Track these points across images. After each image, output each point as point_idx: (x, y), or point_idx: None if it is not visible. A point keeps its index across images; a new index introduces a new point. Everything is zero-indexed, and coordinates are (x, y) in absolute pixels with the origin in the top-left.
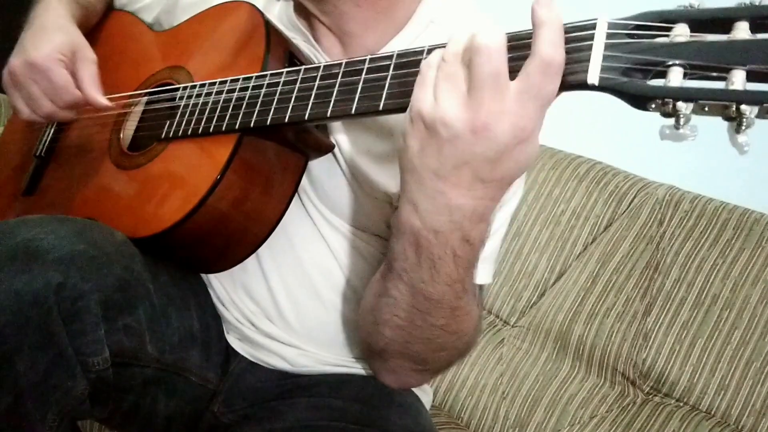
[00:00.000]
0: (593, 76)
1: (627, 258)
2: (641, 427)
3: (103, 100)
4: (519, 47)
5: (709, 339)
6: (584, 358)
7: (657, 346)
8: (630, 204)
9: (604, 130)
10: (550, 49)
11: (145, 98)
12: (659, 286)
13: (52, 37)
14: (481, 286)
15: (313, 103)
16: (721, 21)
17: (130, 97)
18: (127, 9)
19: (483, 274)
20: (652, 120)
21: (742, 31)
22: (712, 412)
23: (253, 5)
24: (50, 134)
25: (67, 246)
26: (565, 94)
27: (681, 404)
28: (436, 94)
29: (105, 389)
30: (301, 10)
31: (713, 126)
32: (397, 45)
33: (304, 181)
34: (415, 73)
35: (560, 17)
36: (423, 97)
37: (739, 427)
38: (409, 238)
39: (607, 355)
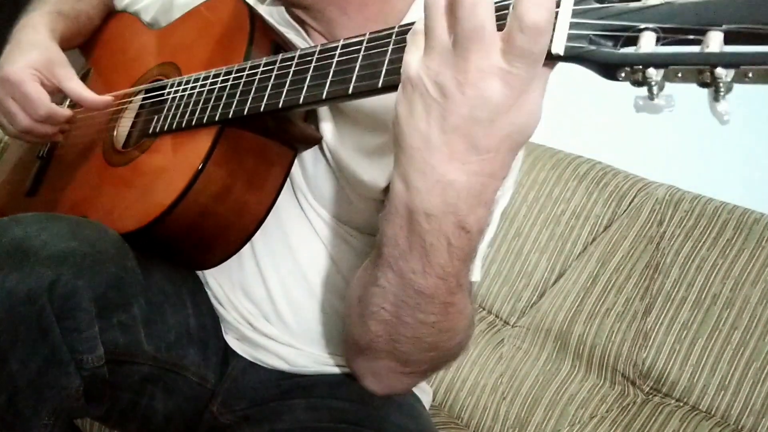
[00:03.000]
0: (558, 46)
1: (627, 258)
2: (641, 427)
3: (102, 98)
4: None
5: (709, 339)
6: (584, 358)
7: (657, 346)
8: (630, 204)
9: (604, 130)
10: (531, 9)
11: (140, 96)
12: (659, 286)
13: (26, 53)
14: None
15: (287, 91)
16: None
17: (124, 95)
18: (128, 10)
19: (473, 271)
20: (652, 120)
21: None
22: (712, 412)
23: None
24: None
25: (59, 243)
26: (565, 94)
27: (681, 404)
28: (424, 53)
29: (100, 387)
30: (292, 14)
31: (713, 125)
32: None
33: (301, 180)
34: (385, 53)
35: None
36: (410, 58)
37: (739, 427)
38: (400, 222)
39: (607, 355)
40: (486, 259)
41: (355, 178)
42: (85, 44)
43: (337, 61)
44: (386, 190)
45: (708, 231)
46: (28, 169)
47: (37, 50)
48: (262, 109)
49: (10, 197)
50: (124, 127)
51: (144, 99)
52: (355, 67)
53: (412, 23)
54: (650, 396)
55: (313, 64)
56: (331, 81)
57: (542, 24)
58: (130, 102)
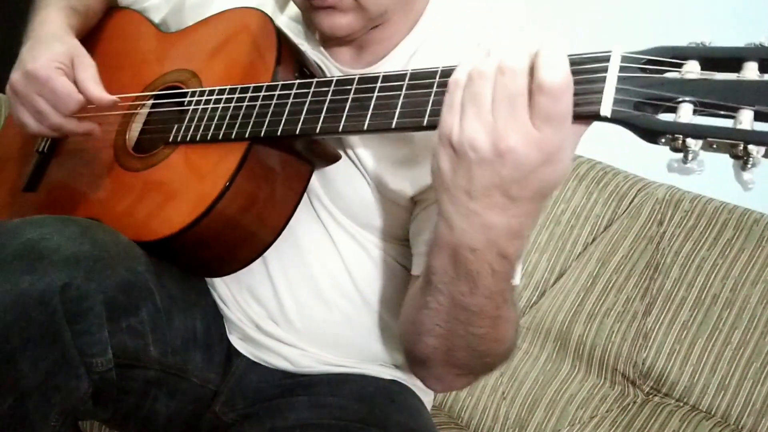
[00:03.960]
0: (606, 108)
1: (627, 258)
2: (641, 427)
3: (107, 96)
4: None
5: (709, 339)
6: (584, 358)
7: (657, 346)
8: (630, 204)
9: (604, 130)
10: (547, 72)
11: (152, 100)
12: (659, 286)
13: (50, 47)
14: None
15: (324, 117)
16: (731, 60)
17: (138, 97)
18: (134, 8)
19: (519, 275)
20: None
21: (750, 71)
22: (712, 412)
23: (264, 13)
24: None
25: (72, 246)
26: None
27: (681, 404)
28: (462, 117)
29: (108, 390)
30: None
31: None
32: (407, 46)
33: (316, 183)
34: (428, 93)
35: (558, 40)
36: (450, 120)
37: (739, 427)
38: (447, 255)
39: (607, 355)
40: (524, 261)
41: (386, 187)
42: (85, 39)
43: (378, 95)
44: (413, 199)
45: (708, 231)
46: (24, 163)
47: (58, 42)
48: (297, 132)
49: (7, 191)
50: (134, 130)
51: (156, 105)
52: (398, 102)
53: (454, 66)
54: (650, 396)
55: (352, 94)
56: (372, 113)
57: (559, 85)
58: (142, 105)
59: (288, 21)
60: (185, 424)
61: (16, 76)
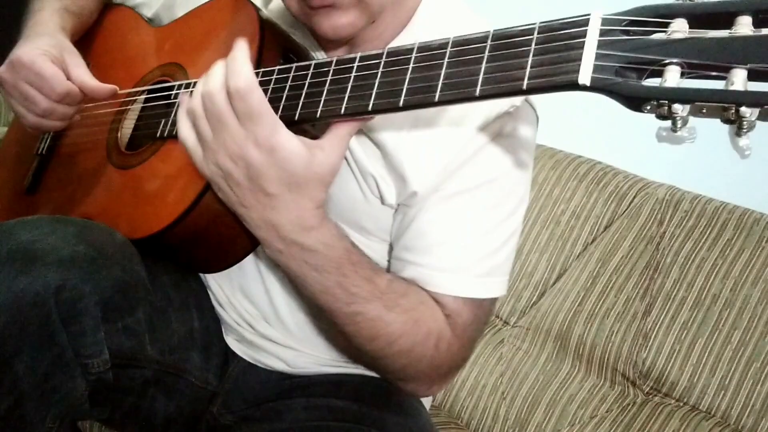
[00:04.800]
0: (585, 77)
1: (627, 258)
2: (641, 427)
3: (105, 85)
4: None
5: (709, 339)
6: (584, 358)
7: (657, 346)
8: (630, 204)
9: (604, 130)
10: (231, 80)
11: (143, 96)
12: (659, 286)
13: (37, 40)
14: (491, 299)
15: (303, 103)
16: (722, 16)
17: (128, 95)
18: (128, 4)
19: (493, 288)
20: (652, 120)
21: (744, 26)
22: (712, 412)
23: (249, 0)
24: (51, 131)
25: (67, 247)
26: (564, 95)
27: (681, 404)
28: (201, 148)
29: (105, 390)
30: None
31: (713, 125)
32: (399, 44)
33: None
34: (405, 71)
35: (241, 47)
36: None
37: (739, 427)
38: (279, 264)
39: (607, 355)
40: (510, 272)
41: (376, 187)
42: (82, 38)
43: (355, 76)
44: (398, 203)
45: (708, 231)
46: (26, 165)
47: (47, 37)
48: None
49: (10, 194)
50: (127, 128)
51: (147, 100)
52: (375, 83)
53: (433, 41)
54: (650, 396)
55: (330, 77)
56: (349, 96)
57: (243, 87)
58: (133, 102)
59: (277, 11)
60: (184, 425)
61: (2, 68)
